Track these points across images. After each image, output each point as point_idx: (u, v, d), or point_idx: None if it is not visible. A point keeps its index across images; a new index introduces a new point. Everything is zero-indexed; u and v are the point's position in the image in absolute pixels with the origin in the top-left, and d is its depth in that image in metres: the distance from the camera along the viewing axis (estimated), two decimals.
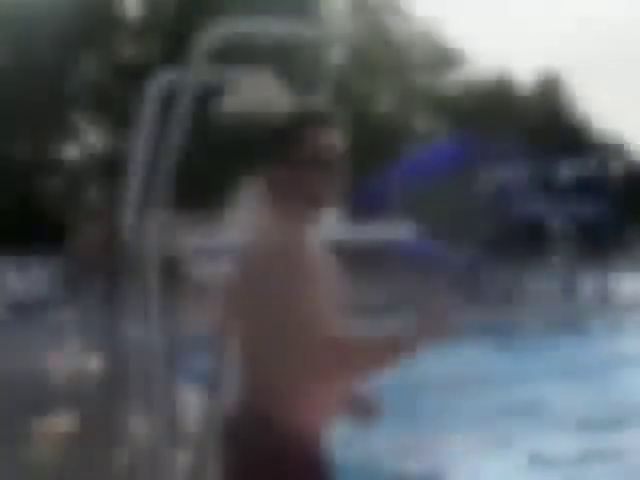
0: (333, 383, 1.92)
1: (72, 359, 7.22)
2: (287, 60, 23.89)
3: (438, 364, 9.86)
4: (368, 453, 5.72)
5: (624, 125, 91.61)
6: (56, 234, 27.73)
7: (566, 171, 18.31)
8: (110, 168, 27.93)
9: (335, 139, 2.00)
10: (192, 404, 6.06)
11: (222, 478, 2.10)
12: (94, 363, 7.20)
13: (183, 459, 4.33)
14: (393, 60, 41.38)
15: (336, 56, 38.99)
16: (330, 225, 2.91)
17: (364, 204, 21.55)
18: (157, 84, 3.45)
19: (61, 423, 6.61)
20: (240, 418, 2.07)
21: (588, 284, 23.50)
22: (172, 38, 30.48)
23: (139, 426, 3.04)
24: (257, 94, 2.91)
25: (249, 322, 2.05)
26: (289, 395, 1.94)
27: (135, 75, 30.01)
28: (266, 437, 1.95)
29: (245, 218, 2.66)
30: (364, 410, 2.25)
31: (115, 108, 31.23)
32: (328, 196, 2.00)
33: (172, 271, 4.04)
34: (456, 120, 42.26)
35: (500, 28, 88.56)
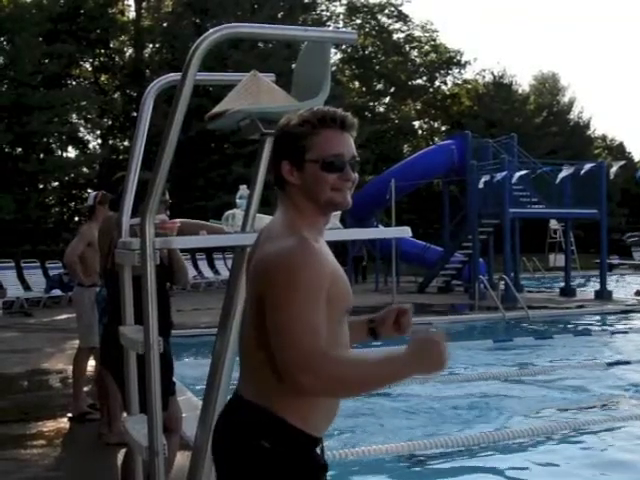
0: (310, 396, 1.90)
1: (70, 359, 7.20)
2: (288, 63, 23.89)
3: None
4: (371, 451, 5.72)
5: (623, 125, 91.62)
6: (55, 235, 27.81)
7: (565, 171, 18.28)
8: (109, 169, 27.95)
9: (347, 141, 2.02)
10: (190, 405, 6.06)
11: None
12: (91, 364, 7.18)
13: (181, 461, 4.33)
14: (392, 61, 41.41)
15: (335, 57, 39.06)
16: (332, 225, 2.91)
17: (363, 205, 21.59)
18: (157, 86, 3.44)
19: (59, 424, 6.61)
20: (227, 408, 2.11)
21: (587, 284, 23.57)
22: (170, 40, 30.50)
23: (137, 427, 3.04)
24: (261, 97, 2.90)
25: (244, 312, 2.09)
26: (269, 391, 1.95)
27: (135, 77, 30.10)
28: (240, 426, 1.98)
29: (243, 220, 2.66)
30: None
31: (115, 110, 31.31)
32: (341, 198, 2.01)
33: (170, 272, 4.03)
34: (455, 120, 42.33)
35: (499, 28, 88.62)
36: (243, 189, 3.27)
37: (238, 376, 2.10)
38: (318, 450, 2.02)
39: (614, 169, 19.37)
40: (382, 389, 1.89)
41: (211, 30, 2.63)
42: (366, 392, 1.89)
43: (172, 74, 3.48)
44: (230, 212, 3.25)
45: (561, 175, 18.20)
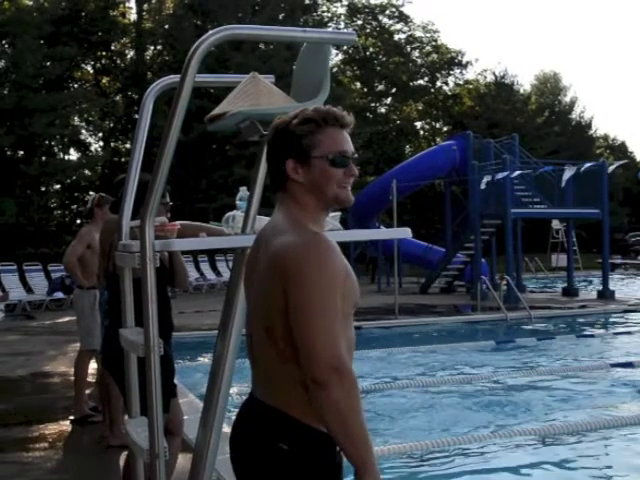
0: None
1: (72, 362, 7.20)
2: (288, 65, 23.89)
3: (439, 363, 9.90)
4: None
5: (625, 124, 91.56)
6: (57, 238, 27.81)
7: (568, 172, 18.25)
8: (111, 172, 27.96)
9: (347, 138, 2.08)
10: (192, 407, 6.06)
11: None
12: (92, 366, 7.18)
13: (183, 463, 4.33)
14: (394, 62, 41.40)
15: (336, 58, 39.10)
16: (332, 226, 2.92)
17: (365, 206, 21.59)
18: (156, 88, 3.44)
19: (62, 426, 6.61)
20: (244, 409, 2.11)
21: (590, 284, 23.53)
22: (172, 42, 30.51)
23: (138, 429, 3.03)
24: (260, 98, 2.90)
25: (254, 315, 2.08)
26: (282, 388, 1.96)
27: (136, 79, 30.11)
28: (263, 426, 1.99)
29: (243, 221, 2.66)
30: None
31: (116, 112, 31.32)
32: (345, 195, 2.07)
33: (170, 273, 4.02)
34: (456, 121, 42.32)
35: (500, 29, 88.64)
36: (243, 191, 3.27)
37: (251, 377, 2.11)
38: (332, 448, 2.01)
39: (613, 166, 19.36)
40: (348, 443, 1.88)
41: (210, 32, 2.63)
42: (344, 425, 1.85)
43: (172, 76, 3.48)
44: (230, 214, 3.25)
45: (565, 177, 18.14)
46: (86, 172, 29.45)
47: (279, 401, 1.96)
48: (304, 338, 1.84)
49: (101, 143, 33.12)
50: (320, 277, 1.85)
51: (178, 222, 3.49)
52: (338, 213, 2.91)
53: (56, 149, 29.18)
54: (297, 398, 1.93)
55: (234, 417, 2.17)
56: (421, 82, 43.32)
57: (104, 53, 32.69)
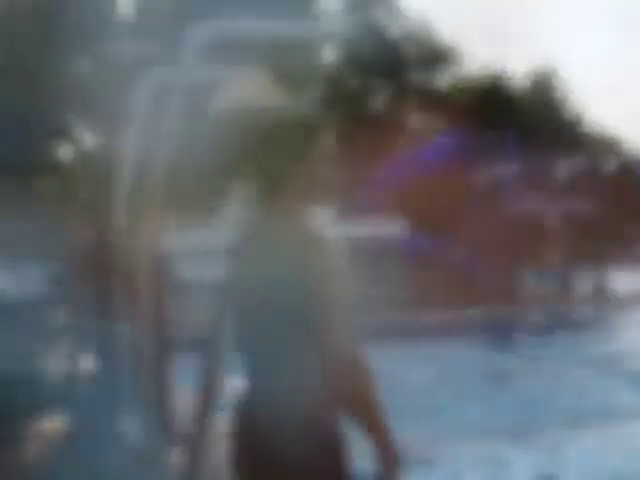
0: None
1: (64, 360, 7.20)
2: (279, 59, 23.86)
3: (439, 362, 9.91)
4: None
5: (620, 122, 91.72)
6: (49, 235, 27.76)
7: (562, 168, 18.27)
8: (103, 168, 27.89)
9: (330, 140, 2.14)
10: (186, 403, 6.05)
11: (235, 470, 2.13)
12: (87, 364, 7.18)
13: (177, 459, 4.33)
14: (388, 58, 41.38)
15: (329, 54, 39.01)
16: (328, 223, 2.94)
17: (361, 202, 21.57)
18: (149, 83, 3.43)
19: (54, 424, 6.59)
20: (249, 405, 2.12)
21: (586, 282, 23.53)
22: (164, 36, 30.45)
23: (133, 426, 3.03)
24: (252, 93, 2.89)
25: (265, 313, 2.06)
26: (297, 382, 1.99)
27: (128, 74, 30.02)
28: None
29: (235, 218, 2.67)
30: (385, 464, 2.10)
31: (108, 107, 31.25)
32: (333, 196, 2.16)
33: (163, 272, 4.00)
34: (452, 118, 42.29)
35: (495, 25, 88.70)
36: (237, 187, 3.26)
37: (256, 374, 2.10)
38: None
39: (610, 164, 19.44)
40: (372, 430, 1.99)
41: (203, 27, 2.63)
42: (368, 412, 1.99)
43: (165, 71, 3.47)
44: (230, 210, 3.24)
45: (559, 171, 18.16)
46: (79, 168, 29.35)
47: (302, 390, 1.99)
48: (327, 331, 1.91)
49: (94, 139, 33.05)
50: (337, 272, 1.94)
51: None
52: (332, 210, 2.91)
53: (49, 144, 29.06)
54: (319, 385, 1.97)
55: (240, 417, 2.14)
56: (416, 78, 43.30)
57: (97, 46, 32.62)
